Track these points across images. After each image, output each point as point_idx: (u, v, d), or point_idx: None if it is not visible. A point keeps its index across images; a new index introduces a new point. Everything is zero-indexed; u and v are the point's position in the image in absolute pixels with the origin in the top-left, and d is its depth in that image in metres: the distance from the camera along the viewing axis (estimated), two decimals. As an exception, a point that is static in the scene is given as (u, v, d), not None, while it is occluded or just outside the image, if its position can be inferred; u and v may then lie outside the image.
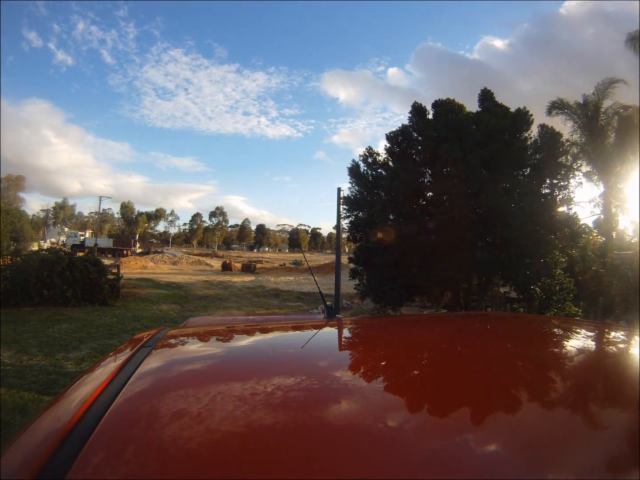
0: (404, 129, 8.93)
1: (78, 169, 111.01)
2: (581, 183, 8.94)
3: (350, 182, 9.34)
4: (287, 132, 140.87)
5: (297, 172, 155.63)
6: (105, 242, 41.32)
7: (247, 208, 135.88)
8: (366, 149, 9.38)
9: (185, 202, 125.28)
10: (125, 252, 37.90)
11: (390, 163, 9.03)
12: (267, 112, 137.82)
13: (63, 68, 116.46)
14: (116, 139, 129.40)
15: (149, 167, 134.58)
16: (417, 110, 9.01)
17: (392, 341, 0.92)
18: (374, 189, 8.94)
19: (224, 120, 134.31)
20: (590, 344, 0.97)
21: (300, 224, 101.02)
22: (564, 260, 7.99)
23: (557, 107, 14.34)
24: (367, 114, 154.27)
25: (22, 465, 0.41)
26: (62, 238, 43.40)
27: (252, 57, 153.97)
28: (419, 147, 8.79)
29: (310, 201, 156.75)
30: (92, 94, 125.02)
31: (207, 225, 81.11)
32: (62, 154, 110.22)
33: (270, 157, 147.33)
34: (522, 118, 8.15)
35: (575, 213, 8.14)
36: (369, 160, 9.26)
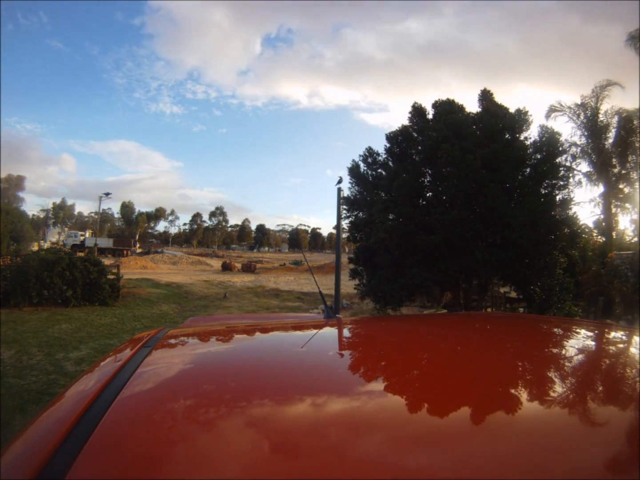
0: (403, 130, 8.94)
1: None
2: (581, 183, 8.94)
3: (350, 182, 9.39)
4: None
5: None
6: (105, 242, 41.28)
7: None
8: (366, 149, 9.43)
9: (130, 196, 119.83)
10: (125, 252, 37.89)
11: (390, 163, 9.04)
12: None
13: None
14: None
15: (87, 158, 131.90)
16: (417, 111, 9.04)
17: (392, 341, 0.92)
18: (374, 189, 8.95)
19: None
20: (590, 344, 0.97)
21: (301, 224, 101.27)
22: (564, 260, 7.98)
23: (556, 110, 14.35)
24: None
25: (22, 465, 0.41)
26: (62, 238, 43.41)
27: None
28: (419, 148, 8.80)
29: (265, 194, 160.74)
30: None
31: (207, 225, 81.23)
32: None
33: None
34: (522, 118, 8.16)
35: (575, 213, 8.13)
36: (369, 160, 9.29)
